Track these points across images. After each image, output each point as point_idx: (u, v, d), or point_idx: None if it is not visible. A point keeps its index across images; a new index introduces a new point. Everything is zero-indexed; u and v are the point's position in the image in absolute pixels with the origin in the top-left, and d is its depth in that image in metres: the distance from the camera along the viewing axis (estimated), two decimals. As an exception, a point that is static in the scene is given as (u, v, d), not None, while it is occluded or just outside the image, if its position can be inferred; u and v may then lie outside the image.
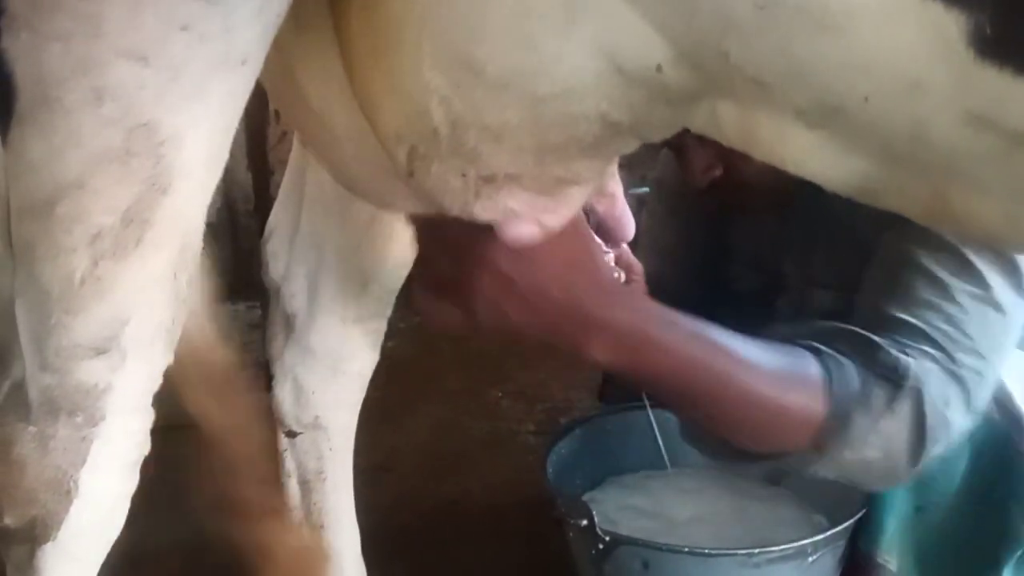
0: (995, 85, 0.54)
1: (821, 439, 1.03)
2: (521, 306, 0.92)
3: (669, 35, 0.64)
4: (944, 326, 1.07)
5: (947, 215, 0.66)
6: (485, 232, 0.88)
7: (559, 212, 0.86)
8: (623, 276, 1.07)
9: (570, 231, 0.91)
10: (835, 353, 1.06)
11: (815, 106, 0.62)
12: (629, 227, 1.00)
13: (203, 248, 0.79)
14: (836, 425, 1.02)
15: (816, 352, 1.06)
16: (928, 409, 1.04)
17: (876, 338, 1.07)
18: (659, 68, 0.66)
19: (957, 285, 1.09)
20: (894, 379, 1.04)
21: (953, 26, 0.53)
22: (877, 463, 1.05)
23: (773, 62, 0.60)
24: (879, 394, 1.04)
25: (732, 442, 1.07)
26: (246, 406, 1.11)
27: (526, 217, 0.84)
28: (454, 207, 0.83)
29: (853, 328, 1.09)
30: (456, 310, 0.95)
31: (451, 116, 0.75)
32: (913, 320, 1.08)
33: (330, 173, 1.02)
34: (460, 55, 0.71)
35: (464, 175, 0.80)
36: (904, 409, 1.04)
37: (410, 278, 1.22)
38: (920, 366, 1.05)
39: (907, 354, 1.06)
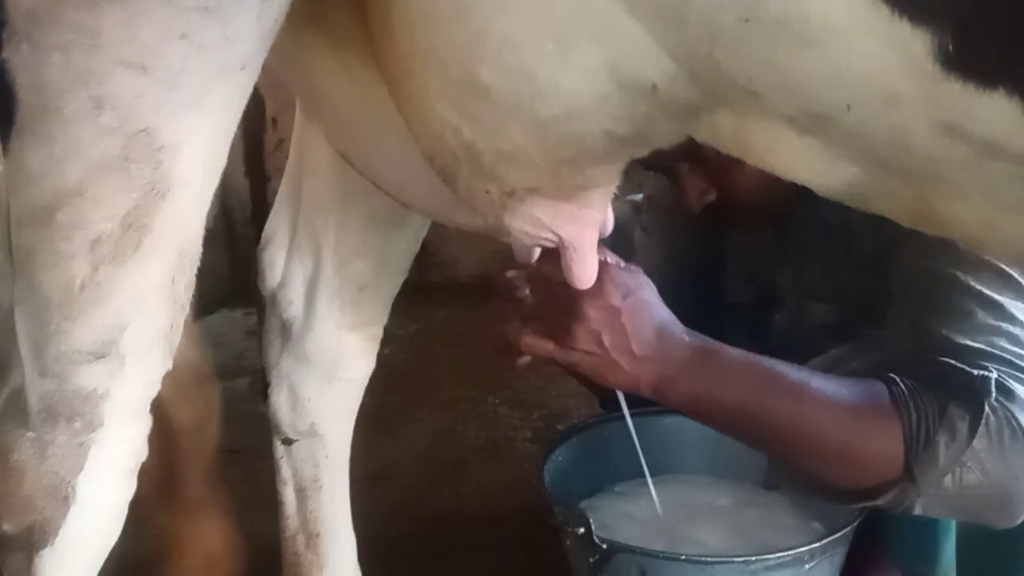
0: (961, 98, 0.57)
1: (909, 467, 1.02)
2: (619, 336, 1.02)
3: (665, 46, 0.66)
4: (1011, 347, 1.06)
5: (931, 219, 0.68)
6: (605, 270, 1.00)
7: (584, 216, 0.90)
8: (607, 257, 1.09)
9: (645, 284, 1.06)
10: (908, 380, 1.05)
11: (802, 114, 0.64)
12: (609, 224, 1.02)
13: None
14: (920, 450, 1.01)
15: (888, 381, 1.05)
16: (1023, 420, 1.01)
17: (947, 360, 1.05)
18: (658, 82, 0.68)
19: (1009, 303, 1.08)
20: (972, 396, 1.02)
21: (920, 44, 0.56)
22: (986, 489, 1.02)
23: (760, 72, 0.62)
24: (960, 413, 1.01)
25: (822, 480, 1.08)
26: (210, 404, 1.11)
27: (555, 223, 0.89)
28: (488, 217, 0.88)
29: (922, 355, 1.07)
30: (553, 334, 1.04)
31: (464, 143, 0.78)
32: (981, 346, 1.06)
33: (389, 192, 1.03)
34: (464, 87, 0.74)
35: (488, 192, 0.84)
36: (999, 426, 1.01)
37: (407, 284, 1.23)
38: (1002, 384, 1.02)
39: (983, 369, 1.03)
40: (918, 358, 1.08)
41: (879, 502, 1.06)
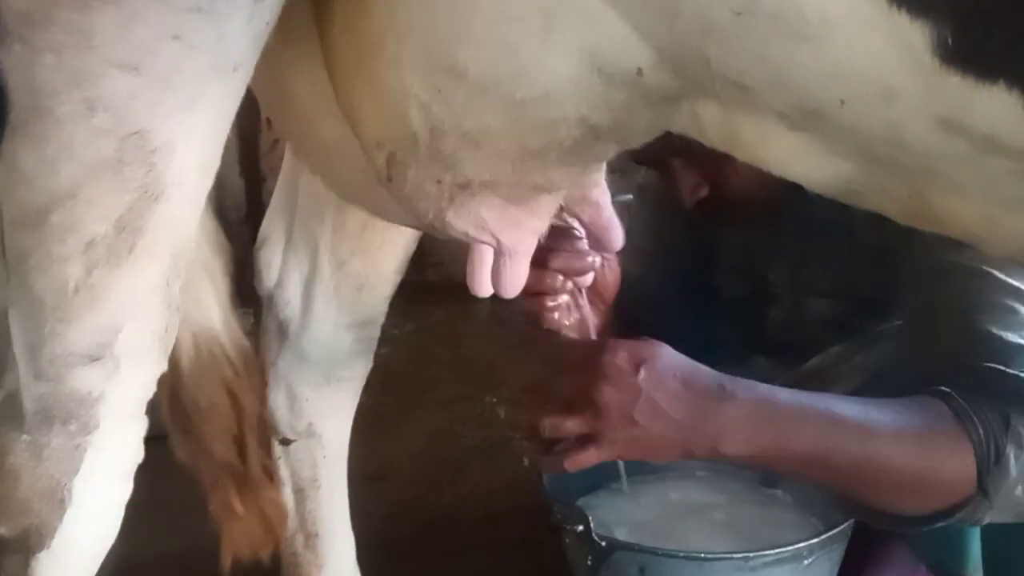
0: (959, 92, 0.56)
1: (982, 484, 1.01)
2: (652, 411, 0.96)
3: (650, 38, 0.65)
4: None
5: (928, 216, 0.68)
6: (603, 348, 0.94)
7: (527, 224, 0.87)
8: (598, 260, 1.07)
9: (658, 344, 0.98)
10: (964, 392, 1.03)
11: (795, 109, 0.64)
12: (617, 235, 1.00)
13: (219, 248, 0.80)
14: (990, 466, 1.00)
15: (945, 397, 1.03)
16: None
17: (997, 366, 1.04)
18: (640, 70, 0.67)
19: None
20: None
21: (918, 36, 0.56)
22: None
23: (753, 67, 0.62)
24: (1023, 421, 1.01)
25: (898, 509, 1.06)
26: (257, 386, 1.17)
27: (499, 226, 0.86)
28: (429, 213, 0.85)
29: (970, 360, 1.06)
30: (586, 441, 0.98)
31: (430, 121, 0.76)
32: None
33: (322, 180, 1.03)
34: (440, 60, 0.72)
35: (439, 181, 0.81)
36: None
37: (404, 283, 1.23)
38: None
39: None
40: (969, 364, 1.05)
41: (953, 521, 1.04)
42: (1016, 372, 1.02)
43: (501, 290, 0.92)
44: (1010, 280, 1.07)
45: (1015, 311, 1.06)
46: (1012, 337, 1.05)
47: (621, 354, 0.97)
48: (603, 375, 0.96)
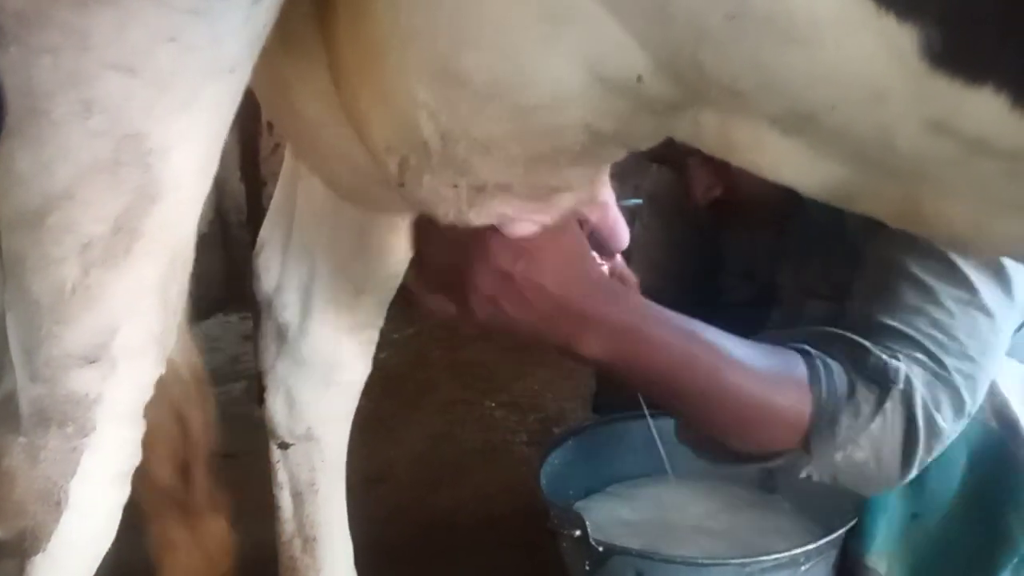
0: (948, 94, 0.57)
1: (809, 439, 1.04)
2: (517, 301, 0.95)
3: (648, 45, 0.65)
4: (932, 331, 1.08)
5: (919, 219, 0.68)
6: (485, 230, 0.91)
7: (551, 215, 0.88)
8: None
9: (564, 229, 0.94)
10: (824, 355, 1.07)
11: (787, 113, 0.64)
12: (623, 237, 1.01)
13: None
14: (823, 425, 1.04)
15: (805, 354, 1.08)
16: (918, 412, 1.05)
17: (865, 342, 1.08)
18: (640, 78, 0.67)
19: (944, 290, 1.09)
20: (881, 382, 1.06)
21: (906, 40, 0.56)
22: (868, 466, 1.07)
23: (745, 71, 0.62)
24: (867, 396, 1.05)
25: (724, 442, 1.09)
26: (211, 407, 1.12)
27: (522, 219, 0.87)
28: (448, 215, 0.85)
29: (842, 332, 1.10)
30: (453, 304, 0.98)
31: (439, 129, 0.76)
32: (900, 326, 1.09)
33: (324, 183, 1.03)
34: (446, 69, 0.72)
35: (455, 186, 0.81)
36: (893, 412, 1.05)
37: (403, 287, 1.23)
38: (909, 370, 1.06)
39: (896, 358, 1.07)
40: (838, 333, 1.09)
41: (769, 465, 1.09)
42: (880, 353, 1.06)
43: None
44: (910, 265, 1.10)
45: (898, 293, 1.10)
46: (882, 318, 1.09)
47: (502, 240, 0.93)
48: (480, 256, 0.94)
